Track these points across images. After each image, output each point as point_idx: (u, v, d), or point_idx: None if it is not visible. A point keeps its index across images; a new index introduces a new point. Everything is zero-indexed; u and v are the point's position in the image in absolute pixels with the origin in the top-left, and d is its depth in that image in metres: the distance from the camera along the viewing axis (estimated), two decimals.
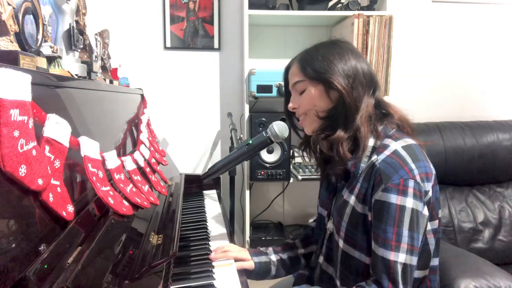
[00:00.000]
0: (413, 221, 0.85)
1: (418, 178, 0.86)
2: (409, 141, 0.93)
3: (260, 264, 1.13)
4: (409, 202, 0.85)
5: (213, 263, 1.06)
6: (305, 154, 1.12)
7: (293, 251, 1.19)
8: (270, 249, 1.19)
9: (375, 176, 0.89)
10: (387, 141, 0.93)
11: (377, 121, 0.96)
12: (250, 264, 1.12)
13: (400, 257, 0.84)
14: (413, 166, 0.87)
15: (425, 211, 0.88)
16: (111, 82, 1.38)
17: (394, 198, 0.85)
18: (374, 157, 0.91)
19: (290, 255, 1.18)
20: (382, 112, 0.98)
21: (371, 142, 0.94)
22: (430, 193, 0.89)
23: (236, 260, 1.11)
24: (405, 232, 0.85)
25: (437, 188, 0.94)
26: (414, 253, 0.86)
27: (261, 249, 1.19)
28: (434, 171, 0.93)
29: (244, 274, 1.08)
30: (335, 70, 0.94)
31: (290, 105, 1.03)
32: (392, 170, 0.87)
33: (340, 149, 0.93)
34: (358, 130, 0.93)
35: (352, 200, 0.94)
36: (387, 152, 0.90)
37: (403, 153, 0.89)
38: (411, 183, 0.85)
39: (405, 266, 0.85)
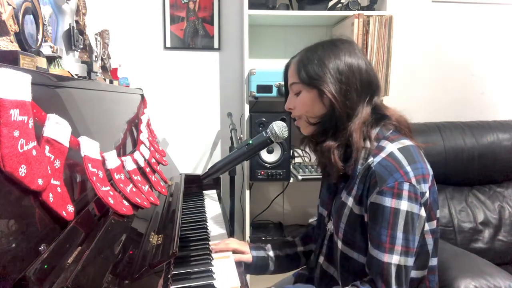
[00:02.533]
0: (408, 223, 0.85)
1: (413, 180, 0.86)
2: (406, 142, 0.92)
3: (257, 259, 1.15)
4: (404, 205, 0.85)
5: (212, 254, 1.08)
6: (307, 150, 1.13)
7: (292, 248, 1.20)
8: (269, 245, 1.20)
9: (370, 178, 0.89)
10: (384, 143, 0.92)
11: (371, 126, 0.95)
12: (248, 257, 1.14)
13: (394, 259, 0.85)
14: (408, 168, 0.87)
15: (422, 213, 0.88)
16: (111, 82, 1.38)
17: (388, 201, 0.85)
18: (370, 159, 0.91)
19: (288, 253, 1.19)
20: (379, 116, 0.97)
21: (366, 144, 0.93)
22: (427, 194, 0.89)
23: (236, 252, 1.13)
24: (400, 235, 0.85)
25: (435, 189, 0.94)
26: (409, 254, 0.86)
27: (260, 244, 1.21)
28: (431, 172, 0.92)
29: (243, 267, 1.10)
30: (328, 77, 0.92)
31: (287, 105, 1.04)
32: (387, 173, 0.86)
33: (331, 157, 0.93)
34: (350, 136, 0.92)
35: (350, 201, 0.94)
36: (383, 154, 0.90)
37: (399, 155, 0.89)
38: (406, 186, 0.85)
39: (399, 267, 0.85)
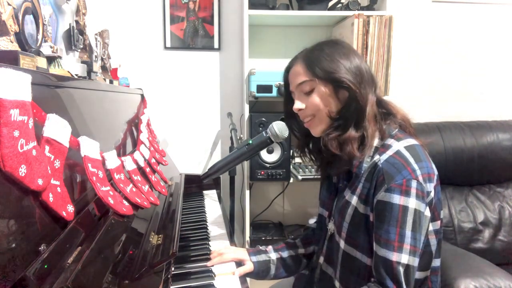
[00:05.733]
0: (416, 222, 0.85)
1: (420, 178, 0.86)
2: (412, 141, 0.93)
3: (259, 264, 1.12)
4: (412, 203, 0.84)
5: (215, 271, 1.03)
6: (303, 155, 1.12)
7: (294, 250, 1.18)
8: (270, 247, 1.18)
9: (377, 176, 0.88)
10: (390, 141, 0.92)
11: (382, 120, 0.96)
12: (249, 267, 1.10)
13: (403, 258, 0.84)
14: (416, 166, 0.87)
15: (427, 212, 0.88)
16: (111, 82, 1.38)
17: (397, 199, 0.85)
18: (377, 157, 0.91)
19: (290, 254, 1.17)
20: (385, 111, 0.98)
21: (375, 142, 0.94)
22: (432, 194, 0.89)
23: (234, 260, 1.10)
24: (408, 233, 0.84)
25: (439, 189, 0.94)
26: (416, 254, 0.86)
27: (260, 248, 1.17)
28: (436, 172, 0.92)
29: (244, 277, 1.07)
30: (343, 70, 0.93)
31: (298, 106, 0.99)
32: (395, 171, 0.86)
33: (350, 148, 0.92)
34: (366, 129, 0.92)
35: (354, 200, 0.94)
36: (389, 152, 0.90)
37: (406, 153, 0.89)
38: (414, 184, 0.85)
39: (407, 267, 0.84)
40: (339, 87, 0.94)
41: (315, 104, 0.97)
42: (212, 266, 1.05)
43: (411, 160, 0.87)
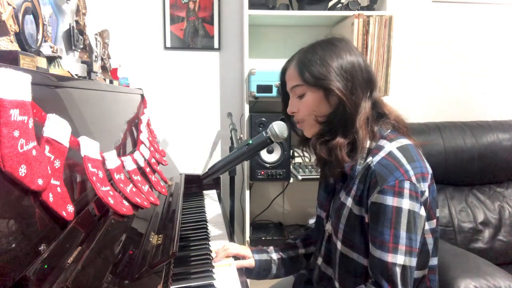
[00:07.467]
0: (410, 222, 0.85)
1: (413, 179, 0.86)
2: (404, 141, 0.92)
3: (260, 262, 1.13)
4: (406, 204, 0.85)
5: (213, 263, 1.06)
6: (306, 151, 1.12)
7: (294, 250, 1.19)
8: (271, 247, 1.19)
9: (370, 178, 0.88)
10: (382, 142, 0.92)
11: (374, 122, 0.95)
12: (250, 262, 1.12)
13: (399, 259, 0.84)
14: (408, 167, 0.87)
15: (422, 212, 0.88)
16: (111, 82, 1.38)
17: (390, 200, 0.85)
18: (369, 159, 0.91)
19: (291, 255, 1.18)
20: (378, 113, 0.97)
21: (367, 144, 0.93)
22: (426, 193, 0.89)
23: (238, 256, 1.12)
24: (403, 234, 0.84)
25: (434, 188, 0.94)
26: (413, 254, 0.86)
27: (262, 247, 1.19)
28: (430, 171, 0.92)
29: (245, 273, 1.08)
30: (333, 75, 0.92)
31: (290, 109, 1.02)
32: (387, 172, 0.86)
33: (339, 154, 0.92)
34: (356, 133, 0.92)
35: (349, 202, 0.94)
36: (382, 154, 0.89)
37: (398, 154, 0.89)
38: (406, 184, 0.85)
39: (404, 268, 0.84)
40: (329, 93, 0.93)
41: (306, 108, 0.98)
42: (218, 261, 1.08)
43: (404, 161, 0.87)
